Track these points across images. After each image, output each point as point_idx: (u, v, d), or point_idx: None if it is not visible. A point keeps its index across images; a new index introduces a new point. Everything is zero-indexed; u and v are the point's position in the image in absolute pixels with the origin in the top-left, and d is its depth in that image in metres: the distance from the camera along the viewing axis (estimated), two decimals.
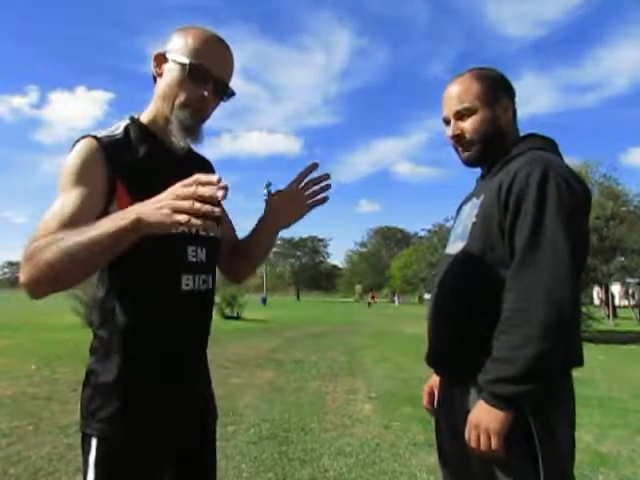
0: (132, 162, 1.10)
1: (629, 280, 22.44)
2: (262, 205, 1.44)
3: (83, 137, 1.10)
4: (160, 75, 1.17)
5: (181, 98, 1.13)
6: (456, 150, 1.41)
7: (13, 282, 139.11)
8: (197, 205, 0.81)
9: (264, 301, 37.83)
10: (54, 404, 4.75)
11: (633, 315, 25.66)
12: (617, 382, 6.87)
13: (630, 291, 32.43)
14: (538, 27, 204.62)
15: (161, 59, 1.16)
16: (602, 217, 14.48)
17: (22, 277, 0.94)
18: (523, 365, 1.10)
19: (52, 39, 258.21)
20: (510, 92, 1.40)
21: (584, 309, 12.73)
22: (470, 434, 1.16)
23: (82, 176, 1.04)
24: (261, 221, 1.31)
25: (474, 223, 1.29)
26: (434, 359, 1.39)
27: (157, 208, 0.85)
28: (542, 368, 1.11)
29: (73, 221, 0.98)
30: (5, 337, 10.62)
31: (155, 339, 1.11)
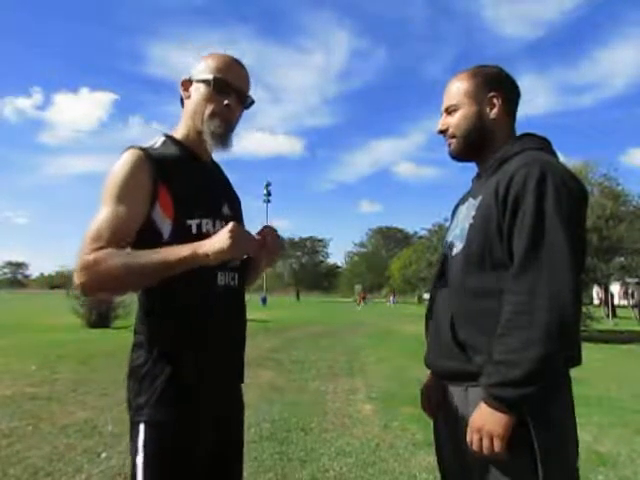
0: (171, 167, 1.24)
1: (628, 280, 22.45)
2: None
3: (130, 148, 1.23)
4: (188, 97, 1.34)
5: (209, 110, 1.30)
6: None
7: (13, 282, 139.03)
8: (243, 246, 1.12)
9: (264, 301, 37.79)
10: (54, 404, 4.76)
11: (632, 315, 25.67)
12: (616, 382, 6.87)
13: (629, 291, 32.43)
14: (536, 28, 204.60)
15: (187, 83, 1.35)
16: (602, 217, 14.46)
17: (81, 279, 1.10)
18: (526, 368, 1.09)
19: (55, 40, 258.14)
20: (503, 88, 1.38)
21: (583, 309, 12.73)
22: (472, 437, 1.15)
23: (130, 186, 1.17)
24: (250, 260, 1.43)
25: (471, 224, 1.29)
26: (432, 360, 1.39)
27: (218, 240, 1.08)
28: (545, 370, 1.11)
29: (124, 231, 1.15)
30: (5, 337, 10.63)
31: (196, 331, 1.23)
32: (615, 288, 31.03)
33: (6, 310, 23.09)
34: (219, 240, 1.08)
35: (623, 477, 3.30)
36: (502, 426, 1.11)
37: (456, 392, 1.29)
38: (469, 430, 1.17)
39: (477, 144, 1.38)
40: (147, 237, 1.17)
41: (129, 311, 12.58)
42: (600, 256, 14.56)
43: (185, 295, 1.21)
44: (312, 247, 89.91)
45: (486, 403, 1.14)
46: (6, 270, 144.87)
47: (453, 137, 1.39)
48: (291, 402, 5.11)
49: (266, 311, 26.68)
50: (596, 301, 29.96)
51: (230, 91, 1.31)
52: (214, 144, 1.30)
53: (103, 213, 1.16)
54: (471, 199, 1.37)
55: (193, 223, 1.22)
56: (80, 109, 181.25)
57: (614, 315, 24.89)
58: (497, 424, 1.11)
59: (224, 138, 1.31)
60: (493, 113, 1.36)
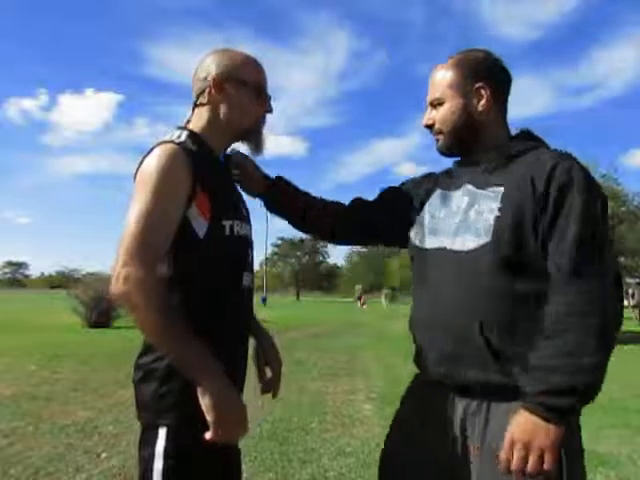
0: (206, 167, 1.19)
1: (629, 280, 22.42)
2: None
3: (164, 143, 1.16)
4: (218, 91, 1.24)
5: (251, 119, 1.28)
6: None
7: (13, 282, 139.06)
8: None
9: (264, 301, 37.75)
10: (54, 404, 4.76)
11: (633, 315, 25.62)
12: (617, 382, 6.86)
13: (630, 291, 32.35)
14: (534, 29, 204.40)
15: (222, 79, 1.25)
16: None
17: (125, 290, 1.03)
18: (582, 374, 1.01)
19: (60, 41, 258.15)
20: (491, 76, 1.27)
21: None
22: (517, 454, 1.03)
23: (173, 183, 1.12)
24: None
25: (498, 217, 1.15)
26: (451, 371, 1.19)
27: (229, 417, 1.07)
28: (601, 376, 1.04)
29: (170, 231, 1.11)
30: (5, 337, 10.62)
31: (221, 333, 1.19)
32: None
33: (6, 310, 23.07)
34: (228, 414, 1.07)
35: (623, 477, 3.29)
36: (554, 438, 1.01)
37: (463, 405, 1.18)
38: (509, 446, 1.04)
39: (466, 139, 1.28)
40: (182, 236, 1.13)
41: None
42: None
43: (213, 295, 1.18)
44: (312, 247, 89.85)
45: (534, 414, 1.03)
46: (6, 270, 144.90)
47: (440, 133, 1.29)
48: (291, 402, 5.10)
49: (266, 311, 26.67)
50: None
51: (266, 98, 1.32)
52: (258, 152, 1.34)
53: (148, 210, 1.09)
54: (470, 186, 1.26)
55: (227, 224, 1.21)
56: (85, 110, 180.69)
57: None
58: (548, 436, 1.01)
59: (262, 147, 1.34)
60: (481, 105, 1.25)
